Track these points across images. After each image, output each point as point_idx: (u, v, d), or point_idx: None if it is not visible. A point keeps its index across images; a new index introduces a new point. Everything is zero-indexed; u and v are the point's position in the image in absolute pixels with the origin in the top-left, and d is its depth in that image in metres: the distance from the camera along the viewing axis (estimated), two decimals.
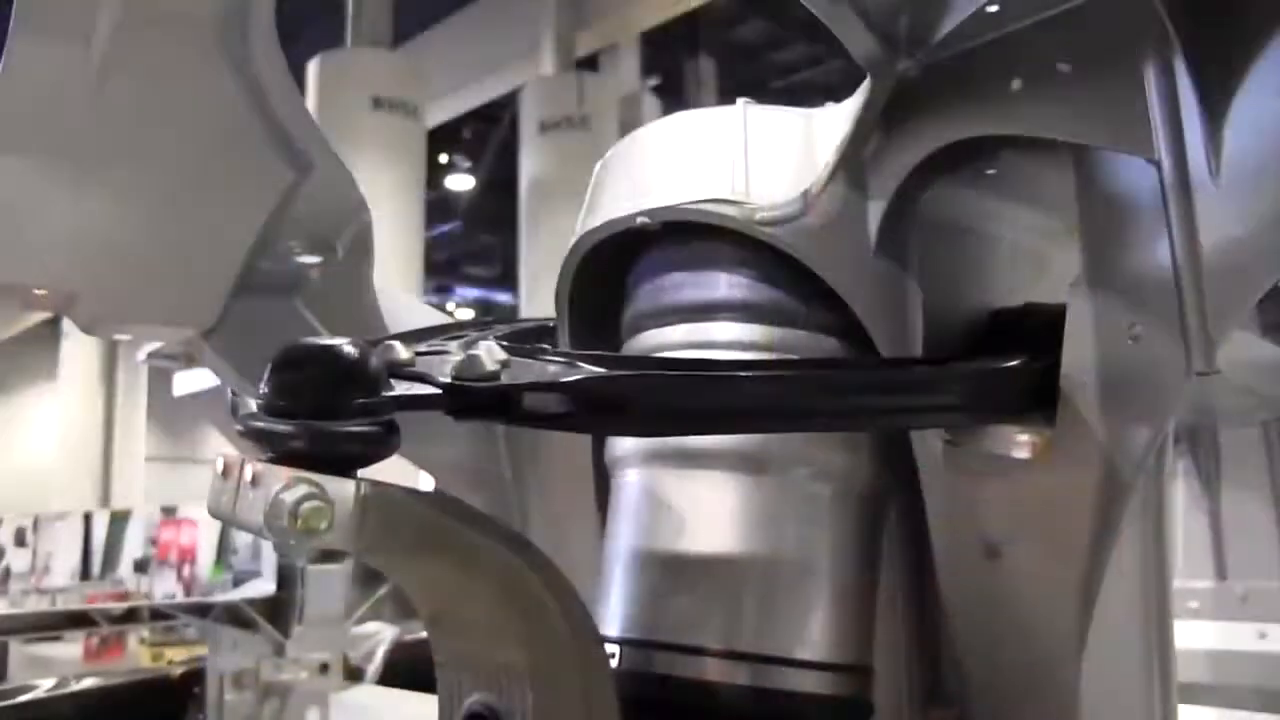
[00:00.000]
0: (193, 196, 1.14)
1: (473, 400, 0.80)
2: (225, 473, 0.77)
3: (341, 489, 0.74)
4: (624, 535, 1.02)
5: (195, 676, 2.11)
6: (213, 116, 1.12)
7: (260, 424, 0.77)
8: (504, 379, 0.81)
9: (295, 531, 0.72)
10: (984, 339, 1.04)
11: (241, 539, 5.11)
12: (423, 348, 0.86)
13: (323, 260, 1.22)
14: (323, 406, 0.76)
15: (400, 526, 0.77)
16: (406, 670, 2.10)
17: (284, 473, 0.73)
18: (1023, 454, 0.95)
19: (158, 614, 1.98)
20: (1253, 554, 2.52)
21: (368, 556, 0.82)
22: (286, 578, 2.09)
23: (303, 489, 0.73)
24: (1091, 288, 0.92)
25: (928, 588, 1.09)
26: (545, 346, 0.97)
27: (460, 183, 17.75)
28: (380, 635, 2.24)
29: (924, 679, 1.18)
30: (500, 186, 15.15)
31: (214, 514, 0.79)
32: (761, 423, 0.90)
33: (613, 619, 0.99)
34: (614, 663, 0.96)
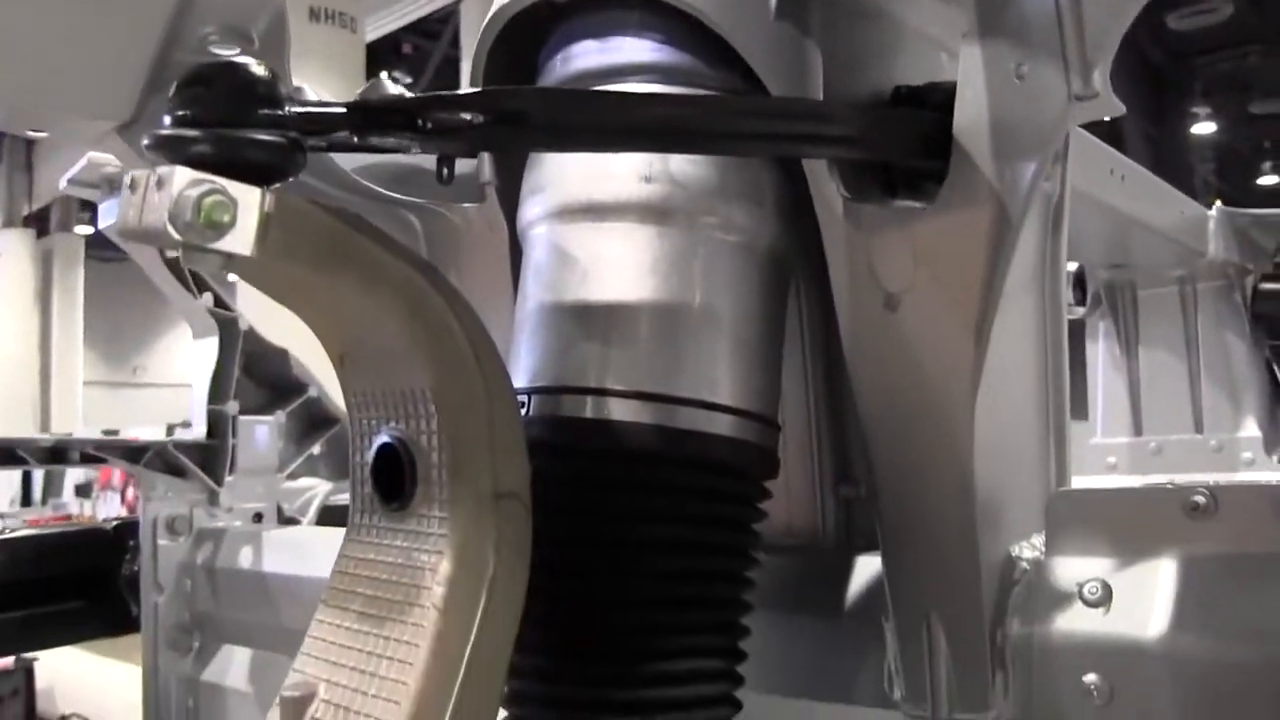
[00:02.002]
0: None
1: (377, 117, 0.81)
2: (132, 186, 0.79)
3: (245, 191, 0.76)
4: (532, 293, 1.04)
5: (130, 529, 2.12)
6: None
7: (166, 132, 0.78)
8: None
9: (198, 226, 0.74)
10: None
11: None
12: None
13: (239, 51, 1.22)
14: (228, 116, 0.78)
15: (305, 234, 0.79)
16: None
17: (188, 173, 0.75)
18: (918, 202, 0.99)
19: (88, 457, 2.00)
20: (1166, 410, 2.61)
21: (272, 273, 0.84)
22: (217, 426, 2.10)
23: (206, 186, 0.75)
24: (981, 36, 0.95)
25: (834, 357, 1.13)
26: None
27: None
28: (315, 489, 2.26)
29: (834, 458, 1.22)
30: None
31: (121, 231, 0.80)
32: (659, 140, 0.92)
33: (523, 372, 1.02)
34: (523, 413, 0.99)
